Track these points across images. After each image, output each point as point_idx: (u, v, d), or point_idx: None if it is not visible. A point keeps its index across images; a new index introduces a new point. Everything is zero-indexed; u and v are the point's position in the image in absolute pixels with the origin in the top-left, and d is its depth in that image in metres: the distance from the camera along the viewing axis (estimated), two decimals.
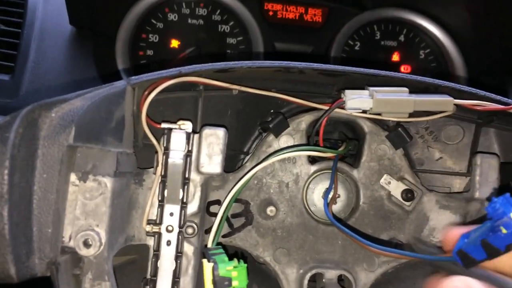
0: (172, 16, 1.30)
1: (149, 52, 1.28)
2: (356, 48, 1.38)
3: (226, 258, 0.58)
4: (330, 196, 0.75)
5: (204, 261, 0.57)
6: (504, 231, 0.48)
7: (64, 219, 0.55)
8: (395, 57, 1.39)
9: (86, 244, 0.55)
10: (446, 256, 0.56)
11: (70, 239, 0.56)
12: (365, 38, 1.38)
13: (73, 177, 0.56)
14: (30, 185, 0.51)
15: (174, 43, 1.30)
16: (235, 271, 0.56)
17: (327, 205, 0.72)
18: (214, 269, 0.56)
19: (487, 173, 0.73)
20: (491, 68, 1.31)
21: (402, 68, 1.39)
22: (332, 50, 1.34)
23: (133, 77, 0.63)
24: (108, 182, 0.57)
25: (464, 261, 0.53)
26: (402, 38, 1.39)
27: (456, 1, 1.29)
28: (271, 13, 1.34)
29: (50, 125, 0.52)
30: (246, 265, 0.58)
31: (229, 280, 0.55)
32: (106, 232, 0.56)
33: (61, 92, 0.58)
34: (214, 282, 0.55)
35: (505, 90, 1.24)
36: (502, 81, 1.29)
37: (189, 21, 1.30)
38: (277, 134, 0.77)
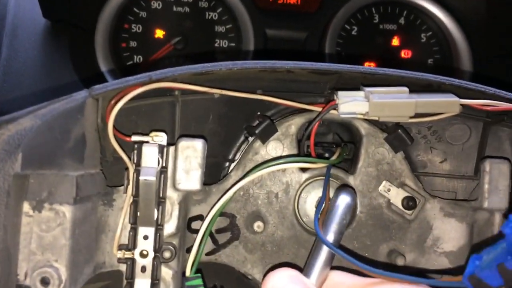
0: (156, 4, 1.22)
1: (132, 44, 1.20)
2: (353, 33, 1.30)
3: None
4: (321, 212, 0.68)
5: None
6: None
7: (18, 255, 0.49)
8: (395, 42, 1.31)
9: (44, 283, 0.49)
10: (456, 281, 0.49)
11: (25, 276, 0.49)
12: (363, 22, 1.30)
13: (26, 207, 0.49)
14: None
15: (159, 33, 1.22)
16: None
17: (318, 221, 0.65)
18: None
19: (497, 180, 0.66)
20: (499, 53, 1.23)
21: (403, 53, 1.31)
22: (327, 36, 1.26)
23: (96, 87, 0.55)
24: (66, 211, 0.50)
25: (477, 287, 0.47)
26: (402, 21, 1.31)
27: None
28: None
29: None
30: None
31: None
32: (67, 267, 0.50)
33: (35, 90, 0.51)
34: None
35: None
36: (508, 69, 1.21)
37: (174, 8, 1.22)
38: (264, 140, 0.70)
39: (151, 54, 1.20)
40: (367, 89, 0.63)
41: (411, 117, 0.64)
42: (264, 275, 0.68)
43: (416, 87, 0.65)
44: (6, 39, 1.01)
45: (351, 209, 0.59)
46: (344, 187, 0.67)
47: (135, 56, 1.20)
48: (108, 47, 1.16)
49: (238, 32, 1.24)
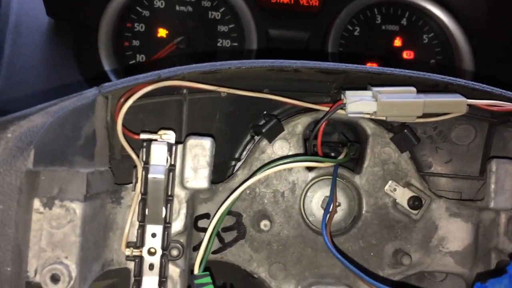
0: (159, 3, 1.21)
1: (135, 43, 1.20)
2: (356, 33, 1.30)
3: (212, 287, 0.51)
4: (328, 215, 0.68)
5: None
6: None
7: (28, 252, 0.49)
8: (397, 42, 1.31)
9: (54, 279, 0.49)
10: None
11: (35, 273, 0.49)
12: (365, 23, 1.30)
13: (37, 204, 0.49)
14: None
15: (162, 32, 1.21)
16: None
17: (325, 226, 0.65)
18: None
19: (504, 180, 0.66)
20: (500, 53, 1.24)
21: (405, 54, 1.31)
22: (330, 36, 1.26)
23: (106, 84, 0.55)
24: (77, 208, 0.50)
25: None
26: (404, 21, 1.31)
27: None
28: None
29: (6, 148, 0.45)
30: None
31: None
32: (77, 264, 0.50)
33: (38, 87, 0.51)
34: None
35: None
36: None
37: (177, 8, 1.22)
38: (271, 139, 0.70)
39: (153, 53, 1.20)
40: (375, 88, 0.64)
41: (418, 117, 0.64)
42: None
43: (423, 87, 0.65)
44: (9, 37, 1.01)
45: None
46: None
47: (137, 55, 1.20)
48: (111, 45, 1.15)
49: (241, 31, 1.24)
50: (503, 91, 0.66)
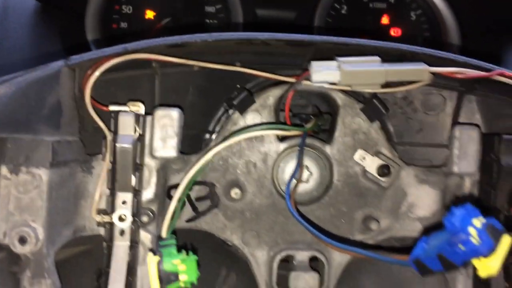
0: None
1: (123, 25, 1.21)
2: (343, 11, 1.30)
3: (174, 251, 0.54)
4: (295, 179, 0.70)
5: (149, 254, 0.53)
6: (461, 247, 0.45)
7: None
8: (385, 20, 1.31)
9: (22, 241, 0.52)
10: (403, 260, 0.53)
11: (4, 236, 0.52)
12: (352, 1, 1.30)
13: (4, 170, 0.52)
14: None
15: (149, 14, 1.23)
16: (183, 265, 0.52)
17: (289, 195, 0.67)
18: (159, 263, 0.52)
19: (467, 146, 0.68)
20: (488, 29, 1.23)
21: (392, 32, 1.31)
22: (317, 15, 1.26)
23: (73, 57, 0.58)
24: (43, 174, 0.52)
25: (420, 269, 0.51)
26: None
27: None
28: None
29: None
30: (195, 257, 0.54)
31: (176, 275, 0.51)
32: (44, 227, 0.52)
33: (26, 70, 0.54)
34: (160, 277, 0.51)
35: (499, 54, 1.16)
36: (499, 43, 1.21)
37: None
38: (242, 111, 0.72)
39: (141, 35, 1.21)
40: (340, 59, 0.65)
41: (384, 87, 0.66)
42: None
43: (391, 58, 0.66)
44: None
45: None
46: None
47: (125, 38, 1.22)
48: (99, 28, 1.17)
49: (228, 12, 1.25)
50: (468, 58, 0.66)
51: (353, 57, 0.65)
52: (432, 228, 0.68)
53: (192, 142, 0.74)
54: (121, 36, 1.22)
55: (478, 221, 0.45)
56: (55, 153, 0.53)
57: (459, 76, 0.66)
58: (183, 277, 0.52)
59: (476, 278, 0.69)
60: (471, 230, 0.44)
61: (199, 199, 0.72)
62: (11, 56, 0.99)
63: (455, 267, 0.47)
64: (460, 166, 0.68)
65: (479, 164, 0.68)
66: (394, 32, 1.32)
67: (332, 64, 0.66)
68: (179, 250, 0.56)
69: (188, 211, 0.71)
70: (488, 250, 0.44)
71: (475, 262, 0.45)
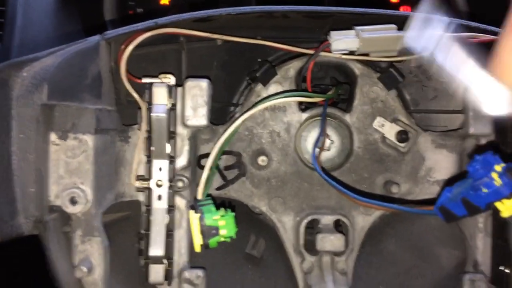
0: None
1: (139, 10, 1.25)
2: None
3: (214, 208, 0.57)
4: (318, 147, 0.73)
5: (191, 212, 0.57)
6: (484, 190, 0.48)
7: (49, 179, 0.55)
8: None
9: (73, 202, 0.56)
10: (428, 210, 0.56)
11: (56, 197, 0.56)
12: None
13: (53, 137, 0.55)
14: (7, 146, 0.51)
15: (165, 0, 1.26)
16: (222, 220, 0.56)
17: (315, 158, 0.71)
18: (200, 219, 0.55)
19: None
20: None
21: (402, 10, 1.34)
22: None
23: (108, 32, 0.61)
24: (89, 139, 0.56)
25: (445, 216, 0.54)
26: None
27: None
28: None
29: (22, 85, 0.52)
30: (233, 214, 0.58)
31: (216, 229, 0.55)
32: (92, 189, 0.56)
33: None
34: (202, 231, 0.55)
35: None
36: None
37: None
38: (265, 83, 0.75)
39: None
40: (358, 27, 0.68)
41: (400, 55, 0.69)
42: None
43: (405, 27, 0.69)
44: (20, 9, 1.07)
45: None
46: None
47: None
48: (116, 14, 1.21)
49: None
50: (481, 24, 0.70)
51: (370, 26, 0.69)
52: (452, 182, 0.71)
53: (218, 115, 0.78)
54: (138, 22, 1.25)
55: (499, 166, 0.48)
56: (98, 120, 0.57)
57: (474, 40, 0.69)
58: (223, 232, 0.56)
59: (495, 236, 0.72)
60: (493, 174, 0.48)
61: (227, 168, 0.75)
62: (36, 43, 1.03)
63: (479, 210, 0.50)
64: (476, 127, 0.71)
65: (494, 125, 0.72)
66: (404, 10, 1.34)
67: (351, 32, 0.69)
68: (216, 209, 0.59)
69: (217, 180, 0.74)
70: (510, 192, 0.47)
71: (498, 204, 0.49)
